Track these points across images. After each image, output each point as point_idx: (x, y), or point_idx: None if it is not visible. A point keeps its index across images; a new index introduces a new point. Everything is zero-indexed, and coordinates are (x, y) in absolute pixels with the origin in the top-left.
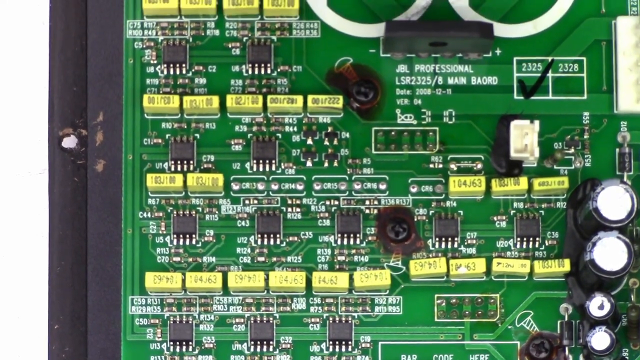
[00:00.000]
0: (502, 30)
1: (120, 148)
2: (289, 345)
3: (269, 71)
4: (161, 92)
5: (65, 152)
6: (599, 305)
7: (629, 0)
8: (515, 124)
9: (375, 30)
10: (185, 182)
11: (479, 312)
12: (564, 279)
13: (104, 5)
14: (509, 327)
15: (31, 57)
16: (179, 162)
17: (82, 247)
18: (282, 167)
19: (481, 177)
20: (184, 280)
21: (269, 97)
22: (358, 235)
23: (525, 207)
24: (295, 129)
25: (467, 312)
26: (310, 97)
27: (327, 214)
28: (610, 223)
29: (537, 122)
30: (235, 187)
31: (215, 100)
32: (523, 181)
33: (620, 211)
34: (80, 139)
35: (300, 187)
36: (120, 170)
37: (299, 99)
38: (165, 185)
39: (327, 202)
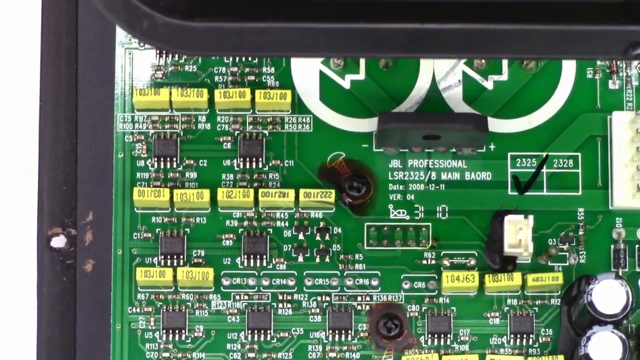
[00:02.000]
0: (496, 125)
1: (110, 248)
2: None
3: (260, 165)
4: (151, 185)
5: (54, 252)
6: None
7: (624, 96)
8: (509, 219)
9: (368, 124)
10: (175, 276)
11: None
12: None
13: (94, 97)
14: None
15: (21, 155)
16: (168, 256)
17: (71, 348)
18: (273, 262)
19: (474, 272)
20: None
21: (260, 191)
22: (350, 331)
23: (519, 303)
24: (287, 223)
25: None
26: (302, 192)
27: (318, 310)
28: (605, 317)
29: (531, 218)
30: (225, 282)
31: (206, 194)
32: (517, 277)
33: (615, 305)
34: (70, 239)
35: (291, 282)
36: (110, 269)
37: (291, 193)
38: (155, 279)
39: (319, 298)
